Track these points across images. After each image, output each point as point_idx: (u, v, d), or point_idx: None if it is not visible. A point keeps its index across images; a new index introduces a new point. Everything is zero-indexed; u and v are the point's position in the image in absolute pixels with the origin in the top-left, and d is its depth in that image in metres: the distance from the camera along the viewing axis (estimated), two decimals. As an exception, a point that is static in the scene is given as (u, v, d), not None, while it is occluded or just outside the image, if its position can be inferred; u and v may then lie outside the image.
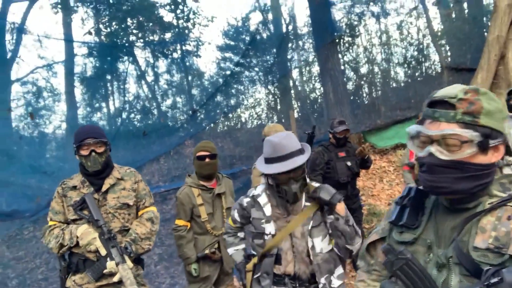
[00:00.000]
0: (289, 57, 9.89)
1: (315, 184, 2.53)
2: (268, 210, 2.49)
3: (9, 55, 9.04)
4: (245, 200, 2.62)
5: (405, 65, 10.26)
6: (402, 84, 10.19)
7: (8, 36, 8.83)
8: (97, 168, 2.86)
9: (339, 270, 2.57)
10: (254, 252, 2.60)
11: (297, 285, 2.46)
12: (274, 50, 9.49)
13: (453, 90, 1.23)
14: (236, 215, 2.71)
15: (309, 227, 2.45)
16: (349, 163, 4.83)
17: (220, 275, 3.79)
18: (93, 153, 2.81)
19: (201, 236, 3.71)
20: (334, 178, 4.74)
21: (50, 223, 2.93)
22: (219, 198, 3.77)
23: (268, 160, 2.37)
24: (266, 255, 2.48)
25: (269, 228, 2.47)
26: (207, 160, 3.66)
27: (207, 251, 3.64)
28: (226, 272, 3.78)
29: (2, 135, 6.67)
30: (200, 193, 3.70)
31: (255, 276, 2.55)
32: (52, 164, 7.10)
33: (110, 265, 2.70)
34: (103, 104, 10.29)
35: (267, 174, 2.42)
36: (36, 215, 5.23)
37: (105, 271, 2.71)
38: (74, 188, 2.91)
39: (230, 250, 2.77)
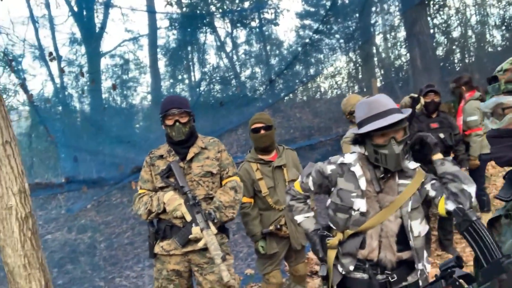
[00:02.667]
0: (372, 21, 9.37)
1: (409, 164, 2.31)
2: (363, 184, 2.24)
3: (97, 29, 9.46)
4: (329, 167, 2.35)
5: (503, 28, 9.30)
6: (499, 49, 9.28)
7: (96, 11, 9.24)
8: (181, 138, 2.91)
9: (427, 253, 2.38)
10: (332, 225, 2.38)
11: (378, 272, 2.24)
12: (357, 15, 9.04)
13: (503, 64, 1.28)
14: (310, 183, 2.43)
15: (409, 209, 2.21)
16: (442, 135, 4.48)
17: (290, 251, 3.70)
18: (177, 123, 2.87)
19: (265, 212, 3.64)
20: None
21: (140, 191, 3.05)
22: (280, 171, 3.64)
23: (365, 121, 2.15)
24: (353, 235, 2.25)
25: (360, 203, 2.22)
26: (262, 132, 3.57)
27: (271, 227, 3.55)
28: (295, 249, 3.67)
29: (92, 106, 7.08)
30: (258, 167, 3.61)
31: None
32: (138, 134, 7.45)
33: (195, 230, 2.75)
34: (185, 75, 10.56)
35: (363, 134, 2.17)
36: (121, 183, 5.52)
37: (190, 236, 2.77)
38: (161, 157, 3.00)
39: (299, 217, 2.49)
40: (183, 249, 2.87)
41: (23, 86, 5.43)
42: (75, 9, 8.88)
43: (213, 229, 2.78)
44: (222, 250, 2.85)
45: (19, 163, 2.82)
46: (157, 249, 2.96)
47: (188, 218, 2.79)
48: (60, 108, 6.35)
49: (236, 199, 2.99)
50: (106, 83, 9.90)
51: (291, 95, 8.99)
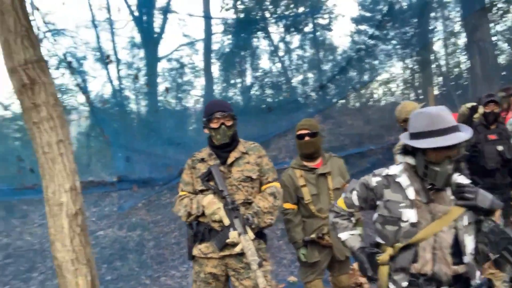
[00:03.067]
0: (431, 27, 9.05)
1: (458, 177, 2.19)
2: (411, 194, 2.17)
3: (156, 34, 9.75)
4: (374, 180, 2.29)
5: None
6: None
7: (155, 16, 9.54)
8: (225, 141, 2.92)
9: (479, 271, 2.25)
10: (380, 240, 2.29)
11: (434, 287, 2.14)
12: (415, 20, 8.76)
13: None
14: (354, 197, 2.37)
15: (465, 223, 2.12)
16: (500, 148, 4.25)
17: (333, 261, 3.62)
18: (223, 126, 2.88)
19: (308, 219, 3.58)
20: (479, 164, 4.23)
21: (181, 193, 3.09)
22: (324, 179, 3.57)
23: (423, 134, 2.05)
24: (405, 248, 2.16)
25: (409, 214, 2.15)
26: (306, 138, 3.53)
27: (313, 236, 3.49)
28: (338, 259, 3.59)
29: (147, 108, 7.30)
30: (302, 174, 3.57)
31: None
32: (189, 137, 7.59)
33: (232, 234, 2.74)
34: (238, 80, 10.67)
35: (419, 148, 2.09)
36: (169, 183, 5.63)
37: (227, 240, 2.77)
38: (202, 160, 3.02)
39: (344, 235, 2.41)
40: (220, 252, 2.87)
41: (81, 87, 5.68)
42: (136, 14, 9.22)
43: (251, 235, 2.77)
44: (259, 256, 2.83)
45: (71, 161, 2.92)
46: (195, 252, 2.99)
47: (226, 222, 2.79)
48: (116, 109, 6.58)
49: (275, 205, 2.96)
50: (162, 86, 10.21)
51: (343, 101, 8.83)
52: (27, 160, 4.69)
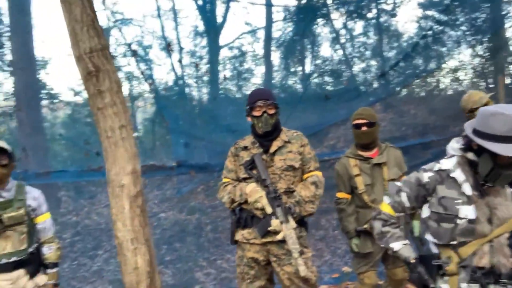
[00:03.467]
0: (503, 12, 8.47)
1: None
2: (468, 189, 2.08)
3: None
4: (426, 175, 2.17)
5: None
6: None
7: (218, 5, 9.66)
8: (268, 129, 2.93)
9: None
10: (432, 239, 2.20)
11: (493, 281, 2.05)
12: (487, 5, 8.24)
13: None
14: (404, 199, 2.26)
15: None
16: None
17: (387, 254, 3.52)
18: (265, 114, 2.89)
19: (362, 210, 3.50)
20: None
21: (224, 180, 3.14)
22: (379, 169, 3.47)
23: (502, 139, 1.92)
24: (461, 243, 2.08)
25: (467, 211, 2.06)
26: (363, 128, 3.42)
27: (366, 226, 3.42)
28: None
29: (207, 96, 7.45)
30: (357, 163, 3.48)
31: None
32: (247, 124, 7.65)
33: (274, 223, 2.78)
34: (298, 67, 10.59)
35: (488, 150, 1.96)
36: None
37: (269, 228, 2.81)
38: (245, 148, 3.05)
39: (397, 245, 2.29)
40: (262, 239, 2.92)
41: (144, 74, 5.89)
42: (199, 2, 9.39)
43: (292, 223, 2.79)
44: (300, 244, 2.84)
45: (132, 145, 3.05)
46: (238, 237, 3.05)
47: (269, 210, 2.82)
48: (177, 96, 6.76)
49: (317, 194, 2.95)
50: (223, 74, 10.36)
51: (406, 90, 8.50)
52: (94, 144, 4.95)
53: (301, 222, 3.00)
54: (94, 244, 6.63)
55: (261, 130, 2.95)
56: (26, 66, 7.57)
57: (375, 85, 8.14)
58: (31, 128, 7.38)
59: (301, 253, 2.70)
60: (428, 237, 2.23)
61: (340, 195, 3.54)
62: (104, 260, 6.07)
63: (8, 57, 8.49)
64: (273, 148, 2.97)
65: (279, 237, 2.77)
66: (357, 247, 3.48)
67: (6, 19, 8.34)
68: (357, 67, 9.74)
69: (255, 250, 2.98)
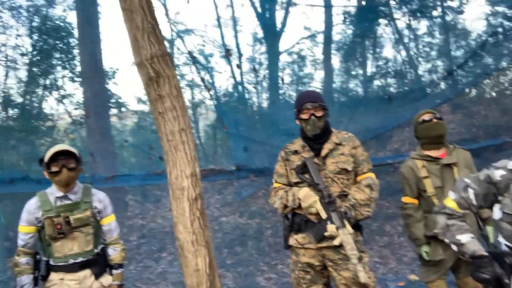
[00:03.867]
0: None
1: None
2: None
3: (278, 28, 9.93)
4: (498, 173, 2.05)
5: None
6: None
7: (277, 11, 9.70)
8: (316, 132, 2.85)
9: None
10: (504, 241, 2.05)
11: None
12: None
13: None
14: (471, 196, 2.15)
15: None
16: None
17: (459, 261, 3.30)
18: (313, 117, 2.81)
19: (430, 215, 3.26)
20: None
21: (275, 185, 3.08)
22: (449, 170, 3.24)
23: None
24: None
25: None
26: (434, 120, 3.22)
27: (437, 231, 3.22)
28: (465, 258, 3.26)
29: (266, 101, 7.47)
30: (424, 165, 3.28)
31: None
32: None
33: (330, 228, 2.68)
34: (359, 70, 10.38)
35: None
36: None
37: (325, 234, 2.71)
38: (295, 152, 2.97)
39: (464, 237, 2.17)
40: (318, 244, 2.83)
41: (204, 81, 6.00)
42: (259, 10, 9.48)
43: (349, 229, 2.68)
44: (357, 249, 2.72)
45: (192, 149, 3.09)
46: (291, 241, 2.98)
47: (324, 215, 2.73)
48: (236, 102, 6.84)
49: (372, 197, 2.82)
50: (281, 79, 10.37)
51: (476, 90, 8.05)
52: (158, 149, 5.09)
53: (357, 226, 2.89)
54: (159, 246, 6.81)
55: (309, 133, 2.87)
56: (94, 76, 7.97)
57: (442, 85, 7.79)
58: (100, 135, 7.75)
59: (360, 259, 2.59)
60: (501, 239, 2.07)
61: (406, 199, 3.35)
62: (168, 263, 6.22)
63: (79, 68, 8.99)
64: (324, 151, 2.88)
65: (335, 242, 2.67)
66: (428, 255, 3.29)
67: (77, 32, 8.85)
68: (422, 67, 9.39)
69: (310, 255, 2.90)
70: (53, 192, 2.86)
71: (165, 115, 3.01)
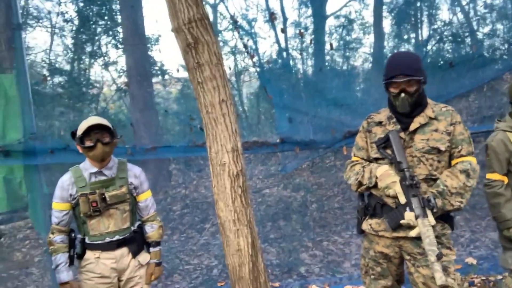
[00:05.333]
0: None
1: None
2: None
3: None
4: None
5: None
6: None
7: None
8: (405, 110, 2.50)
9: None
10: None
11: None
12: None
13: None
14: None
15: None
16: None
17: None
18: (403, 94, 2.44)
19: None
20: None
21: (353, 158, 2.79)
22: None
23: None
24: None
25: None
26: None
27: None
28: None
29: (313, 68, 7.11)
30: None
31: None
32: (355, 97, 7.19)
33: (408, 216, 2.35)
34: (412, 35, 9.74)
35: None
36: (332, 147, 5.39)
37: (402, 221, 2.39)
38: (380, 123, 2.64)
39: None
40: (393, 233, 2.52)
41: (246, 47, 5.72)
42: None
43: (431, 219, 2.31)
44: (442, 243, 2.43)
45: (234, 121, 2.88)
46: (365, 226, 2.69)
47: (402, 200, 2.37)
48: (281, 69, 6.53)
49: (468, 186, 2.41)
50: (329, 45, 9.90)
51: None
52: (199, 119, 4.94)
53: (446, 217, 2.53)
54: (201, 217, 6.76)
55: (398, 109, 2.52)
56: (136, 43, 7.85)
57: (505, 51, 7.15)
58: (143, 104, 7.69)
59: (439, 257, 2.22)
60: None
61: (494, 176, 3.01)
62: (211, 234, 6.15)
63: (122, 35, 8.90)
64: (414, 126, 2.51)
65: (412, 233, 2.33)
66: None
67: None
68: (482, 31, 8.68)
69: (385, 244, 2.59)
70: (87, 167, 2.73)
71: (205, 84, 2.79)
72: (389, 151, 2.52)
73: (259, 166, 7.99)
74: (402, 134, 2.52)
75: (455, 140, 2.50)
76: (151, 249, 2.95)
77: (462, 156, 2.50)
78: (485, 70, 6.60)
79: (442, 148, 2.47)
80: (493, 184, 3.01)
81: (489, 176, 3.04)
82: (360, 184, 2.62)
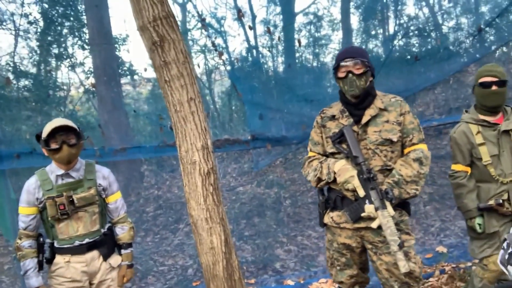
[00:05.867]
0: None
1: None
2: None
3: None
4: None
5: None
6: None
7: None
8: (354, 93, 2.51)
9: None
10: None
11: None
12: None
13: None
14: None
15: None
16: None
17: None
18: (350, 75, 2.48)
19: (484, 184, 3.04)
20: None
21: (310, 154, 2.80)
22: (507, 137, 2.96)
23: None
24: None
25: None
26: (493, 88, 2.89)
27: (491, 202, 2.95)
28: None
29: (284, 65, 7.14)
30: (480, 130, 2.99)
31: None
32: (325, 93, 7.24)
33: (368, 208, 2.40)
34: (379, 29, 9.89)
35: None
36: (302, 143, 5.44)
37: (362, 214, 2.44)
38: (333, 118, 2.67)
39: None
40: (354, 224, 2.56)
41: (215, 45, 5.70)
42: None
43: (390, 210, 2.37)
44: (401, 229, 2.49)
45: (203, 120, 2.86)
46: (326, 219, 2.72)
47: (361, 193, 2.42)
48: (251, 67, 6.53)
49: (421, 173, 2.48)
50: (298, 41, 9.96)
51: (504, 48, 7.56)
52: (168, 118, 4.90)
53: (403, 204, 2.59)
54: (175, 218, 6.71)
55: (348, 94, 2.53)
56: (102, 43, 7.71)
57: (469, 44, 7.33)
58: (111, 105, 7.56)
59: (401, 246, 2.29)
60: None
61: (457, 167, 3.10)
62: (186, 234, 6.12)
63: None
64: (365, 118, 2.54)
65: (374, 225, 2.39)
66: (480, 227, 3.04)
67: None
68: (447, 25, 8.88)
69: (347, 235, 2.63)
70: (54, 170, 2.67)
71: (172, 83, 2.76)
72: (344, 146, 2.56)
73: (232, 164, 7.99)
74: (355, 128, 2.56)
75: (406, 129, 2.55)
76: (123, 251, 2.91)
77: (413, 144, 2.56)
78: (450, 63, 6.76)
79: (394, 139, 2.52)
80: (456, 175, 3.10)
81: (453, 167, 3.14)
82: (319, 180, 2.65)
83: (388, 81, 6.28)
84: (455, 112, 6.22)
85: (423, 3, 8.69)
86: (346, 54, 2.54)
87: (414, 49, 7.61)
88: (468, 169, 3.08)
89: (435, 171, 5.58)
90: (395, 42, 7.57)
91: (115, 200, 2.87)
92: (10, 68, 10.22)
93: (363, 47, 9.62)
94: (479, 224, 3.04)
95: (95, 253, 2.75)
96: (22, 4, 8.96)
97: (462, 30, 8.35)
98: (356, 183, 2.43)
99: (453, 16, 8.99)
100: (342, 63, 2.51)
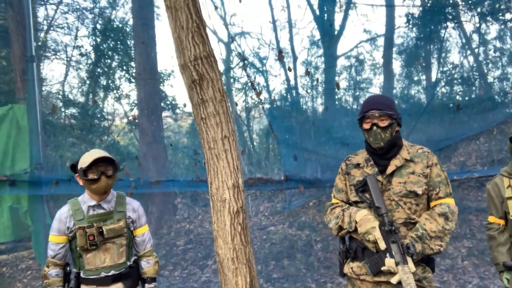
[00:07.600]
0: None
1: None
2: None
3: (336, 31, 9.60)
4: None
5: None
6: None
7: (338, 11, 9.37)
8: (378, 145, 2.44)
9: None
10: None
11: None
12: None
13: None
14: None
15: None
16: None
17: None
18: (375, 127, 2.40)
19: None
20: None
21: (333, 200, 2.73)
22: None
23: None
24: None
25: None
26: None
27: None
28: None
29: (323, 107, 7.14)
30: (511, 184, 2.87)
31: None
32: (362, 137, 7.16)
33: (388, 263, 2.29)
34: (422, 76, 9.80)
35: None
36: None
37: (382, 268, 2.33)
38: (358, 166, 2.60)
39: None
40: (374, 277, 2.45)
41: (253, 84, 5.78)
42: (317, 12, 9.20)
43: (411, 266, 2.26)
44: (423, 287, 2.36)
45: (235, 158, 2.87)
46: (346, 269, 2.61)
47: (382, 246, 2.32)
48: (289, 107, 6.58)
49: (447, 229, 2.37)
50: (340, 85, 9.99)
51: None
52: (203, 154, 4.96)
53: (427, 260, 2.46)
54: (204, 253, 6.66)
55: (373, 145, 2.47)
56: (147, 78, 7.99)
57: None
58: (152, 137, 7.75)
59: None
60: None
61: (491, 219, 3.00)
62: (213, 272, 6.04)
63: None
64: (390, 169, 2.46)
65: (393, 280, 2.27)
66: (508, 283, 2.88)
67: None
68: (492, 74, 8.72)
69: None
70: (86, 200, 2.72)
71: (208, 120, 2.80)
72: (367, 195, 2.48)
73: (265, 202, 7.92)
74: (379, 177, 2.48)
75: (432, 182, 2.46)
76: (146, 285, 2.88)
77: (440, 198, 2.45)
78: (495, 113, 6.58)
79: (419, 191, 2.42)
80: (489, 227, 3.01)
81: (489, 218, 3.04)
82: (340, 228, 2.55)
83: (429, 128, 6.16)
84: (498, 164, 5.98)
85: (468, 52, 8.58)
86: (371, 105, 2.47)
87: (457, 97, 7.48)
88: (502, 222, 2.96)
89: (475, 225, 5.32)
90: (438, 89, 7.46)
91: (143, 233, 2.89)
92: (59, 96, 10.75)
93: (405, 92, 9.55)
94: (507, 279, 2.88)
95: (119, 285, 2.75)
96: (76, 37, 9.51)
97: (508, 80, 8.16)
98: (377, 234, 2.33)
99: (499, 65, 8.84)
100: (368, 114, 2.45)
